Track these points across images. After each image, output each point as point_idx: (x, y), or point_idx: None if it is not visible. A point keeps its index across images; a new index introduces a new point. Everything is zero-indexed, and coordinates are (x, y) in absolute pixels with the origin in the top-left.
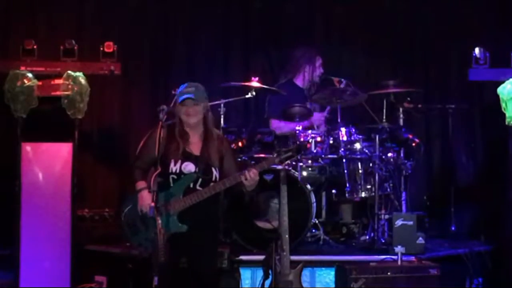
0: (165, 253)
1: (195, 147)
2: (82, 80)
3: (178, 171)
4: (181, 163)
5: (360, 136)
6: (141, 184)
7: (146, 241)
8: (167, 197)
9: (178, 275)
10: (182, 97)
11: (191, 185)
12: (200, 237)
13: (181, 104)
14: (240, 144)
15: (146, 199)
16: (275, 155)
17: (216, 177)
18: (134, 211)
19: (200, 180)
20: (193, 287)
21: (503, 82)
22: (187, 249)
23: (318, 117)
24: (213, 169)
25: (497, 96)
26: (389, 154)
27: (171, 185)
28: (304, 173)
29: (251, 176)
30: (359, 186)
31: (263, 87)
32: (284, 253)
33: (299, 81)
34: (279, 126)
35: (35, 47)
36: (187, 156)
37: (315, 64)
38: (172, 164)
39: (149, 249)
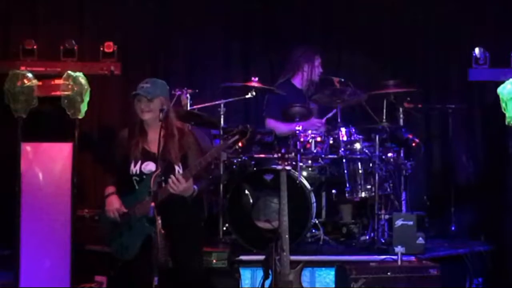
0: (165, 253)
1: (155, 145)
2: (82, 80)
3: (138, 172)
4: (141, 164)
5: (360, 136)
6: (108, 190)
7: (121, 248)
8: (132, 200)
9: (166, 276)
10: (134, 92)
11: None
12: (177, 236)
13: (136, 100)
14: (240, 144)
15: (112, 204)
16: (222, 142)
17: (179, 173)
18: (107, 220)
19: (163, 178)
20: (180, 286)
21: (503, 82)
22: (168, 249)
23: (315, 122)
24: (176, 166)
25: (497, 96)
26: (389, 154)
27: (136, 187)
28: (304, 173)
29: (175, 184)
30: (359, 186)
31: (263, 87)
32: (284, 253)
33: (297, 81)
34: (275, 126)
35: (35, 47)
36: (147, 155)
37: (314, 64)
38: (132, 166)
39: (125, 255)
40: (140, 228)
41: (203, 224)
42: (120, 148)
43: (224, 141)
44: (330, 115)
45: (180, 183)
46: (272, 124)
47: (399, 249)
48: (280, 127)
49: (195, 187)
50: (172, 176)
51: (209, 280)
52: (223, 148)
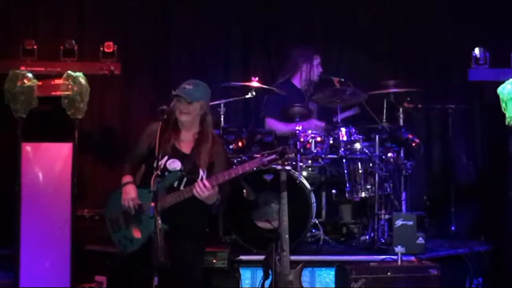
0: (165, 253)
1: (186, 145)
2: (82, 80)
3: (162, 167)
4: (167, 159)
5: (360, 136)
6: (126, 178)
7: (125, 240)
8: (148, 195)
9: (166, 276)
10: (175, 92)
11: (175, 184)
12: (182, 237)
13: (176, 99)
14: (240, 144)
15: (130, 193)
16: (259, 157)
17: (202, 178)
18: (117, 207)
19: (185, 179)
20: (178, 286)
21: (503, 82)
22: (170, 248)
23: (316, 124)
24: (200, 170)
25: (497, 96)
26: (389, 154)
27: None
28: (304, 173)
29: (201, 189)
30: (359, 186)
31: (263, 87)
32: (284, 253)
33: (296, 81)
34: (274, 126)
35: (35, 47)
36: (175, 153)
37: (313, 63)
38: (159, 159)
39: (127, 248)
40: (149, 223)
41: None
42: (148, 140)
43: (260, 157)
44: (347, 115)
45: (206, 189)
46: (272, 123)
47: (399, 249)
48: (280, 127)
49: (219, 196)
50: (198, 181)
51: (209, 280)
52: (258, 165)
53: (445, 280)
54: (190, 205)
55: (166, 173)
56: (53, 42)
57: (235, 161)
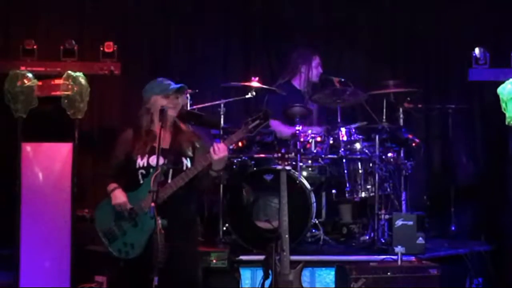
0: (165, 253)
1: (163, 141)
2: (82, 80)
3: (145, 165)
4: (148, 157)
5: (360, 136)
6: (112, 186)
7: (125, 247)
8: (137, 196)
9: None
10: (174, 86)
11: (162, 178)
12: (177, 233)
13: (169, 95)
14: (240, 144)
15: (119, 198)
16: (243, 126)
17: (187, 167)
18: (107, 217)
19: (171, 171)
20: (174, 286)
21: (503, 82)
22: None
23: (317, 130)
24: (184, 159)
25: (497, 96)
26: (389, 154)
27: (141, 182)
28: (304, 173)
29: (219, 148)
30: (359, 186)
31: (263, 87)
32: (284, 253)
33: (296, 82)
34: (278, 128)
35: (35, 47)
36: (155, 151)
37: (312, 64)
38: (139, 160)
39: (130, 254)
40: (146, 223)
41: (199, 224)
42: (124, 149)
43: (245, 125)
44: (357, 125)
45: (222, 150)
46: (275, 126)
47: (399, 249)
48: (283, 130)
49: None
50: (215, 144)
51: (209, 280)
52: (245, 133)
53: (445, 280)
54: (181, 196)
55: (151, 170)
56: (53, 42)
57: (234, 161)
